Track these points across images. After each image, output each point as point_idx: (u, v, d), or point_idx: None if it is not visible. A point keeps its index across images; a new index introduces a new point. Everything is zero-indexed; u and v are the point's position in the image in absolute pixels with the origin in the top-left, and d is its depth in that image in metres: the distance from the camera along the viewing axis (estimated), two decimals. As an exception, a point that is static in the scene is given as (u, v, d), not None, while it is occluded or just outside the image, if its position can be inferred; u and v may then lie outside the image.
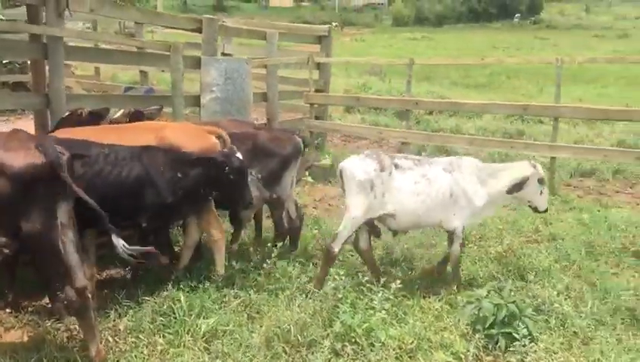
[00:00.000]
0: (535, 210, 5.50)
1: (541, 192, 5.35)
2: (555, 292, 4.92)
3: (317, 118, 9.56)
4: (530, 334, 4.23)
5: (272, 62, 8.53)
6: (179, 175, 4.61)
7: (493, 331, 4.27)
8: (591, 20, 67.54)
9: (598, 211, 7.39)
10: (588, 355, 4.21)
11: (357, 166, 5.00)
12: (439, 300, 5.02)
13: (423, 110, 13.23)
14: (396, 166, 5.05)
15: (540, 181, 5.32)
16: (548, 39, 47.33)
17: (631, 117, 7.73)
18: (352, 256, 5.81)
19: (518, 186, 5.27)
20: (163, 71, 11.96)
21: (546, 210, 5.58)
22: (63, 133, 4.68)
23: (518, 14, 66.44)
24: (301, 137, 5.95)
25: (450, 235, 5.28)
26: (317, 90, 9.62)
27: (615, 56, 19.04)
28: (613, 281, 5.35)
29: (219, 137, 4.92)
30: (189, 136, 4.83)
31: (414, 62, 8.82)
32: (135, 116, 5.81)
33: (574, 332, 4.50)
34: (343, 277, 4.76)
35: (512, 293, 4.54)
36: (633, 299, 4.76)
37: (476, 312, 4.41)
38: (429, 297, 5.14)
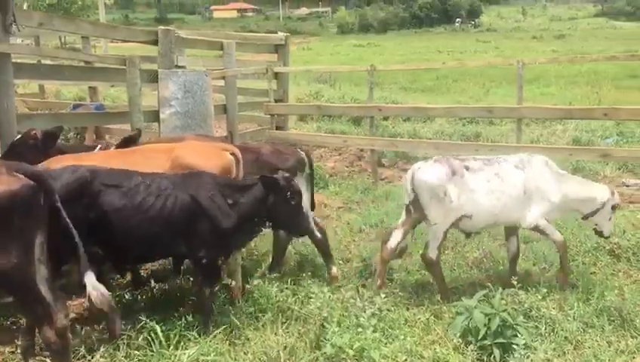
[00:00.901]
0: (600, 234, 5.43)
1: (610, 218, 5.32)
2: (540, 297, 4.85)
3: (278, 128, 9.35)
4: (524, 343, 4.13)
5: (230, 73, 8.27)
6: (230, 201, 4.26)
7: (487, 342, 4.14)
8: (528, 23, 69.91)
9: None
10: (582, 360, 4.15)
11: (428, 173, 5.00)
12: (424, 312, 4.89)
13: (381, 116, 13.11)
14: (467, 168, 5.06)
15: (614, 208, 5.30)
16: (489, 42, 48.67)
17: (592, 115, 7.84)
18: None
19: (591, 208, 5.26)
20: (112, 86, 11.51)
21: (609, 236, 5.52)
22: (56, 163, 4.30)
23: (459, 19, 68.15)
24: (304, 151, 5.65)
25: (538, 231, 5.31)
26: (276, 100, 9.40)
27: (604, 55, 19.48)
28: (593, 281, 5.31)
29: (232, 154, 4.65)
30: (204, 156, 4.56)
31: (375, 69, 8.73)
32: (127, 141, 5.40)
33: (565, 337, 4.43)
34: (329, 294, 4.56)
35: (503, 301, 4.42)
36: (618, 300, 4.71)
37: (467, 323, 4.28)
38: (413, 309, 5.01)
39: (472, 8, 70.09)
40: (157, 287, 5.27)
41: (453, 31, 63.41)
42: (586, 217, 5.35)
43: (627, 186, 9.19)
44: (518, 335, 4.15)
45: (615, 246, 5.99)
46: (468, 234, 5.49)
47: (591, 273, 5.60)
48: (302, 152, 5.53)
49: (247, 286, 4.98)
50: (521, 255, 6.05)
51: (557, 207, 5.23)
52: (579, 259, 5.88)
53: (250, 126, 11.21)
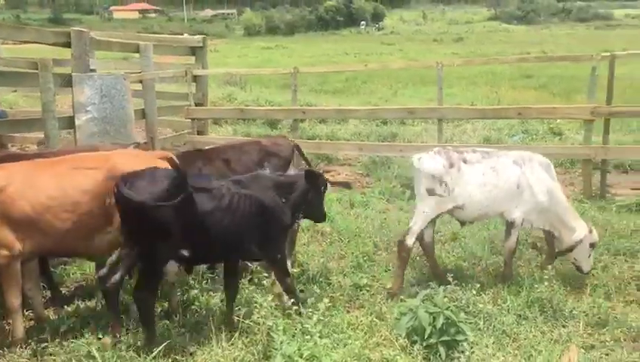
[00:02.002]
0: (579, 269, 5.43)
1: (589, 256, 5.39)
2: (474, 292, 4.99)
3: (199, 133, 9.09)
4: (466, 339, 4.22)
5: (149, 76, 7.93)
6: (283, 199, 4.57)
7: (432, 340, 4.19)
8: (428, 26, 72.54)
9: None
10: (522, 353, 4.29)
11: (426, 163, 5.20)
12: (366, 314, 4.90)
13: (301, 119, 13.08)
14: (465, 160, 5.21)
15: (592, 246, 5.37)
16: (394, 44, 49.94)
17: (507, 114, 8.20)
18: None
19: (566, 238, 5.36)
20: (15, 91, 10.74)
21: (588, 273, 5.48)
22: None
23: (364, 22, 69.61)
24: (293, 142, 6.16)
25: (509, 226, 5.41)
26: (196, 104, 9.13)
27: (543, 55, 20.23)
28: (521, 274, 5.53)
29: (170, 161, 4.40)
30: (143, 165, 4.25)
31: (299, 71, 8.70)
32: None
33: (503, 331, 4.57)
34: (272, 303, 4.44)
35: (453, 302, 4.50)
36: (548, 291, 4.92)
37: (412, 323, 4.31)
38: (354, 311, 5.01)
39: (375, 12, 71.91)
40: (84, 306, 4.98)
41: (358, 34, 64.75)
42: (563, 253, 5.47)
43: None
44: (461, 332, 4.24)
45: (537, 240, 6.28)
46: (462, 223, 5.65)
47: (516, 266, 5.83)
48: (293, 142, 6.05)
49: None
50: (450, 251, 6.26)
51: (539, 210, 5.35)
52: (504, 254, 6.09)
53: (164, 131, 10.82)
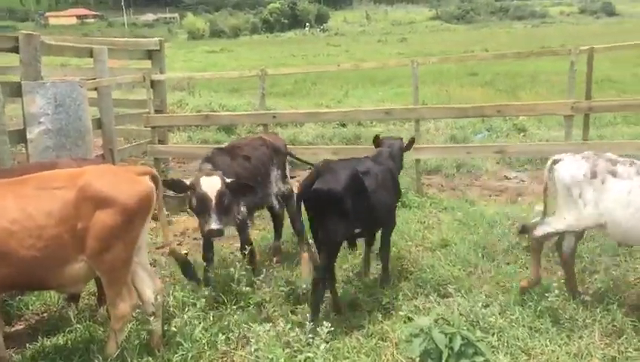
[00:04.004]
0: None
1: None
2: (480, 304, 4.68)
3: (160, 141, 8.49)
4: (485, 360, 3.88)
5: (106, 82, 7.30)
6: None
7: (450, 363, 3.83)
8: (372, 27, 73.04)
9: (470, 208, 7.45)
10: (542, 370, 4.00)
11: (566, 168, 4.64)
12: (367, 336, 4.51)
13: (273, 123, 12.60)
14: (614, 173, 4.50)
15: None
16: (339, 46, 49.92)
17: (484, 112, 7.99)
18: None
19: None
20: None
21: None
22: None
23: (308, 24, 69.43)
24: None
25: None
26: (156, 111, 8.52)
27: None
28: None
29: (153, 178, 3.89)
30: (120, 183, 3.76)
31: (267, 74, 8.24)
32: None
33: (517, 346, 4.26)
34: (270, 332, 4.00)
35: (461, 317, 4.15)
36: (559, 300, 4.65)
37: (427, 345, 3.94)
38: (353, 333, 4.61)
39: (319, 13, 71.88)
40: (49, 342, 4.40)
41: (303, 35, 64.54)
42: None
43: (508, 179, 9.59)
44: (480, 353, 3.90)
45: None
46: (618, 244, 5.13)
47: (514, 273, 5.56)
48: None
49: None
50: (442, 258, 5.93)
51: None
52: (499, 259, 5.83)
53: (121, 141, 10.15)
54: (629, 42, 9.37)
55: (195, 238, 7.04)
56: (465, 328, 3.96)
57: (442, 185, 9.20)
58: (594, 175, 4.53)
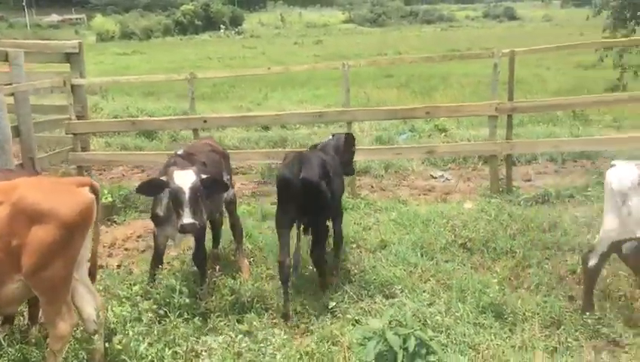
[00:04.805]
0: None
1: None
2: (425, 303, 4.76)
3: (83, 149, 8.06)
4: (438, 359, 3.93)
5: (23, 87, 6.83)
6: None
7: (404, 365, 3.85)
8: (287, 29, 73.19)
9: (403, 208, 7.56)
10: (491, 365, 4.10)
11: (615, 175, 4.39)
12: (317, 341, 4.46)
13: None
14: None
15: None
16: (255, 48, 49.65)
17: (415, 114, 8.15)
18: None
19: None
20: None
21: None
22: None
23: (223, 26, 68.53)
24: None
25: None
26: (78, 117, 8.08)
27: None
28: (463, 279, 5.38)
29: (93, 188, 3.64)
30: (58, 195, 3.49)
31: (196, 77, 8.01)
32: None
33: (465, 342, 4.36)
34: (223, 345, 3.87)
35: (413, 317, 4.18)
36: (499, 295, 4.80)
37: (381, 347, 3.94)
38: (302, 338, 4.56)
39: (234, 15, 71.14)
40: None
41: (218, 38, 63.64)
42: None
43: (435, 178, 9.83)
44: (433, 352, 3.94)
45: (467, 240, 6.20)
46: None
47: (452, 270, 5.68)
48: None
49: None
50: (383, 259, 5.98)
51: None
52: (438, 257, 5.95)
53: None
54: (544, 45, 9.88)
55: (125, 249, 6.76)
56: (418, 328, 4.00)
57: (373, 186, 9.30)
58: None
